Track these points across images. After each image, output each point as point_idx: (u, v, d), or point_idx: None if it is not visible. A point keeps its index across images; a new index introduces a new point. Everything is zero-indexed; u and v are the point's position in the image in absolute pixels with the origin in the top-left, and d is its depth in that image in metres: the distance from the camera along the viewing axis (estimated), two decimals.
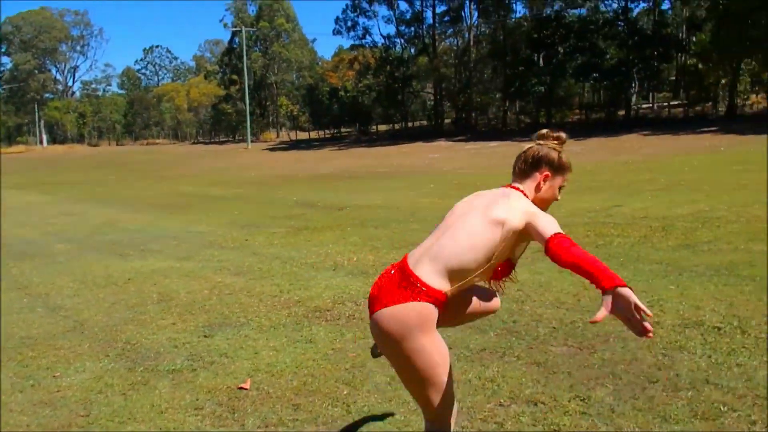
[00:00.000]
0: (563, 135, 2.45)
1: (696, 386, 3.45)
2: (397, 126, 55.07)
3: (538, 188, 2.42)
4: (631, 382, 3.61)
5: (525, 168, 2.42)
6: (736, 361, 3.72)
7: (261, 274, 7.51)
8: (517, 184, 2.44)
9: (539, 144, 2.44)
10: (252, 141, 60.51)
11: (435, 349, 2.30)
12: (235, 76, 66.18)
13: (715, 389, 3.39)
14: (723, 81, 38.10)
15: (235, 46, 66.14)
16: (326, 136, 59.14)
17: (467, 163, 26.67)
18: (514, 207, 2.31)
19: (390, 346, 2.31)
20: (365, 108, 52.77)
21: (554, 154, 2.41)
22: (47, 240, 11.52)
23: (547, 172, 2.41)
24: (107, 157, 57.94)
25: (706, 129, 31.34)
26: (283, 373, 4.19)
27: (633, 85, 43.00)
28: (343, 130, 60.03)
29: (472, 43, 46.98)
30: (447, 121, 49.95)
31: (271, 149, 52.21)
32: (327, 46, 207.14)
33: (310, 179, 24.95)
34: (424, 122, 54.14)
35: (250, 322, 5.43)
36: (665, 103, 42.24)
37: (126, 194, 22.77)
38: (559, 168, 2.42)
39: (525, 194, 2.39)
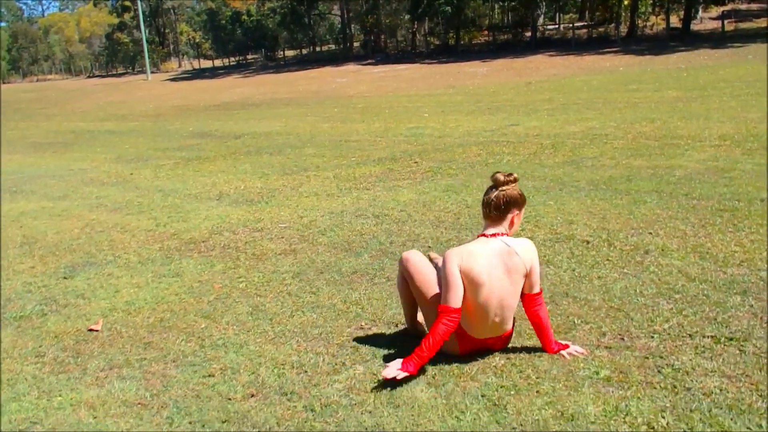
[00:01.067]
0: (515, 174, 2.84)
1: (555, 300, 3.41)
2: (304, 51, 53.40)
3: (511, 225, 2.84)
4: None
5: (498, 213, 2.80)
6: (598, 274, 3.72)
7: (139, 209, 7.06)
8: (495, 230, 2.82)
9: (502, 190, 2.78)
10: (153, 72, 57.29)
11: None
12: (128, 2, 61.86)
13: (573, 302, 3.36)
14: (626, 2, 38.72)
15: None
16: (231, 63, 56.68)
17: (373, 87, 26.22)
18: (525, 259, 2.82)
19: None
20: (270, 32, 50.69)
21: (516, 194, 2.80)
22: None
23: (516, 211, 2.83)
24: None
25: (608, 50, 31.95)
26: (141, 311, 3.90)
27: (539, 6, 43.06)
28: (249, 56, 57.69)
29: None
30: (356, 44, 48.78)
31: (173, 80, 49.75)
32: None
33: (210, 109, 23.90)
34: (333, 46, 52.71)
35: (117, 260, 5.07)
36: (570, 25, 42.62)
37: (6, 136, 21.13)
38: (522, 203, 2.85)
39: (507, 234, 2.83)
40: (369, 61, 40.46)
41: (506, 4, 42.72)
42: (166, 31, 68.90)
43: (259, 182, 7.98)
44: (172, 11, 66.03)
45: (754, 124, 8.56)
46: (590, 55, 30.68)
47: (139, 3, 55.12)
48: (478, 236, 2.86)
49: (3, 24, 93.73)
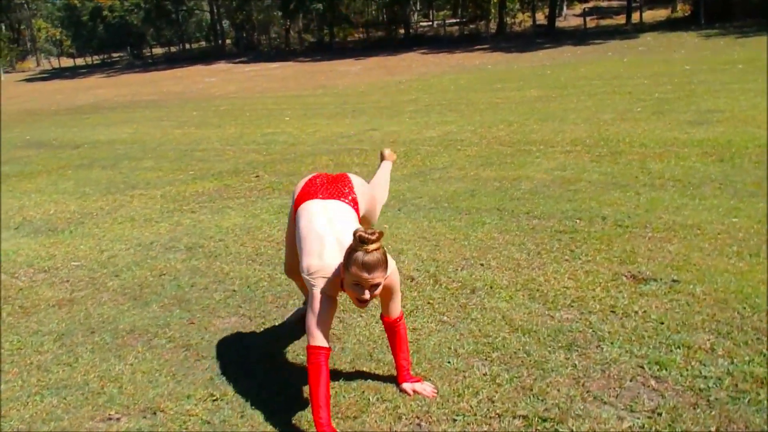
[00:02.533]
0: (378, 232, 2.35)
1: (355, 364, 2.81)
2: (174, 49, 50.73)
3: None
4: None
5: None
6: (414, 324, 3.15)
7: None
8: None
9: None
10: (7, 72, 52.69)
11: None
12: None
13: (376, 366, 2.77)
14: None
15: None
16: (95, 62, 53.00)
17: (242, 87, 25.03)
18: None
19: None
20: (136, 29, 47.72)
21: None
22: None
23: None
24: None
25: (478, 47, 32.37)
26: None
27: (413, 3, 43.20)
28: (114, 55, 54.18)
29: None
30: (229, 42, 46.91)
31: (29, 80, 45.90)
32: None
33: (60, 113, 21.88)
34: (204, 43, 50.46)
35: None
36: (443, 22, 43.06)
37: None
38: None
39: None
40: (241, 59, 38.94)
41: (380, 0, 42.50)
42: (22, 27, 63.53)
43: (74, 204, 6.95)
44: (25, 6, 60.84)
45: (606, 126, 8.48)
46: (461, 52, 30.95)
47: None
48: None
49: None
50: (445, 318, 3.17)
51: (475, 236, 4.38)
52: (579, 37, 31.61)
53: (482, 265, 3.85)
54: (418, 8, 48.56)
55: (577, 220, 4.57)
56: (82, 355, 3.21)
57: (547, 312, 3.14)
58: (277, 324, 3.38)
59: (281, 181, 7.02)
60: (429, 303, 3.36)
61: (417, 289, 3.56)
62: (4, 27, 61.26)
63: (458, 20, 44.30)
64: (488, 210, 4.99)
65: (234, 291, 3.84)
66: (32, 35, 63.58)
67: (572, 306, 3.19)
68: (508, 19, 39.51)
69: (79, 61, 55.16)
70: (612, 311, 3.13)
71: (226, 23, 47.51)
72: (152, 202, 6.64)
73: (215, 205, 6.19)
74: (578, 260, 3.81)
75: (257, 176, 7.44)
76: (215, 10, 45.85)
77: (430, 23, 45.77)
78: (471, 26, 41.86)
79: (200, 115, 16.08)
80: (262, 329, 3.33)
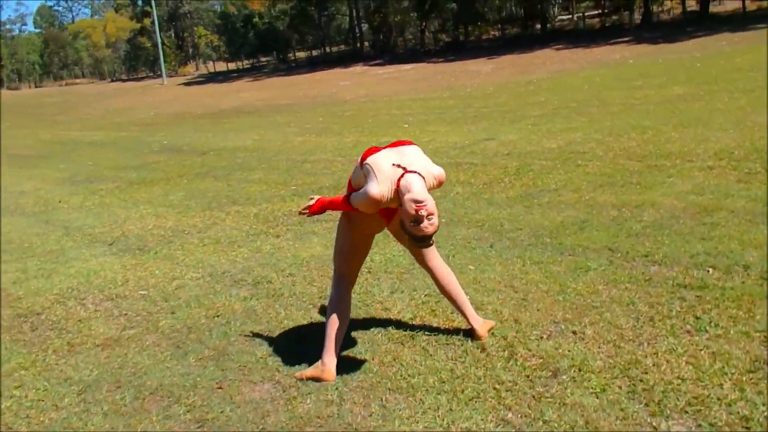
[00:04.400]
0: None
1: None
2: (315, 52, 52.15)
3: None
4: None
5: None
6: (468, 420, 2.47)
7: (22, 253, 6.06)
8: None
9: None
10: (171, 75, 56.92)
11: None
12: (148, 8, 61.36)
13: None
14: None
15: None
16: (245, 66, 55.82)
17: (372, 90, 25.00)
18: None
19: None
20: (282, 34, 49.55)
21: None
22: None
23: None
24: (19, 100, 53.64)
25: (620, 39, 30.13)
26: None
27: None
28: (262, 59, 56.74)
29: None
30: (367, 44, 47.41)
31: (187, 84, 49.14)
32: None
33: (203, 117, 22.97)
34: (344, 47, 51.38)
35: None
36: (582, 14, 40.58)
37: None
38: None
39: None
40: (377, 61, 39.14)
41: None
42: (185, 35, 68.37)
43: (173, 219, 6.89)
44: (188, 15, 65.35)
45: (761, 133, 7.14)
46: (601, 46, 28.91)
47: (153, 8, 54.63)
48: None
49: (37, 30, 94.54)
50: (510, 416, 2.46)
51: (574, 288, 3.58)
52: (737, 22, 28.28)
53: (574, 333, 3.06)
54: (559, 1, 46.37)
55: (710, 269, 3.62)
56: (93, 418, 2.86)
57: (649, 419, 2.34)
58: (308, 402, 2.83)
59: None
60: (495, 389, 2.65)
61: (484, 366, 2.86)
62: (169, 35, 66.31)
63: (599, 12, 41.56)
64: (597, 250, 4.14)
65: (277, 349, 3.35)
66: (194, 42, 68.15)
67: (686, 412, 2.35)
68: (654, 6, 36.41)
69: (232, 66, 58.38)
70: (746, 427, 2.26)
71: (364, 26, 48.05)
72: (244, 222, 6.39)
73: (302, 228, 5.79)
74: (704, 333, 2.93)
75: None
76: (354, 14, 46.52)
77: (570, 16, 43.44)
78: (614, 17, 39.09)
79: (325, 121, 16.05)
80: (288, 406, 2.79)
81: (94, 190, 9.42)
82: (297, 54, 54.12)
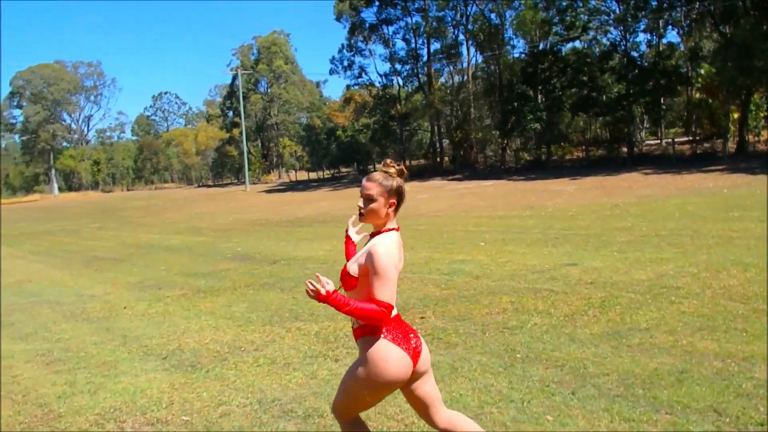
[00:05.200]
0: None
1: None
2: None
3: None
4: None
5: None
6: None
7: (73, 364, 5.88)
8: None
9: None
10: (254, 183, 59.38)
11: None
12: (237, 119, 65.40)
13: None
14: (735, 115, 35.88)
15: (235, 89, 65.43)
16: (325, 176, 57.68)
17: (450, 205, 24.88)
18: None
19: None
20: (363, 147, 51.19)
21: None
22: None
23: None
24: (109, 203, 56.98)
25: (712, 167, 29.20)
26: None
27: (636, 120, 40.86)
28: (343, 170, 58.58)
29: (467, 78, 45.47)
30: (447, 159, 48.17)
31: (268, 191, 50.91)
32: (337, 86, 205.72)
33: (280, 224, 23.35)
34: (423, 161, 52.43)
35: None
36: (671, 140, 39.98)
37: (81, 246, 21.37)
38: None
39: None
40: (456, 176, 39.48)
41: (602, 118, 40.84)
42: (270, 144, 71.87)
43: (231, 333, 6.62)
44: (275, 126, 68.98)
45: None
46: (692, 173, 28.06)
47: (242, 119, 58.01)
48: (389, 229, 2.82)
49: (134, 137, 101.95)
50: None
51: None
52: None
53: None
54: (646, 126, 46.05)
55: None
56: None
57: None
58: None
59: (446, 327, 6.03)
60: None
61: None
62: (256, 144, 69.96)
63: (690, 138, 40.87)
64: (700, 410, 3.52)
65: None
66: (278, 151, 71.46)
67: None
68: (750, 136, 35.52)
69: (313, 175, 60.44)
70: None
71: (445, 141, 49.04)
72: (303, 341, 6.04)
73: None
74: None
75: (422, 317, 6.54)
76: (436, 130, 47.66)
77: (658, 141, 42.90)
78: (705, 145, 38.26)
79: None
80: None
81: (160, 297, 9.36)
82: (377, 165, 55.62)
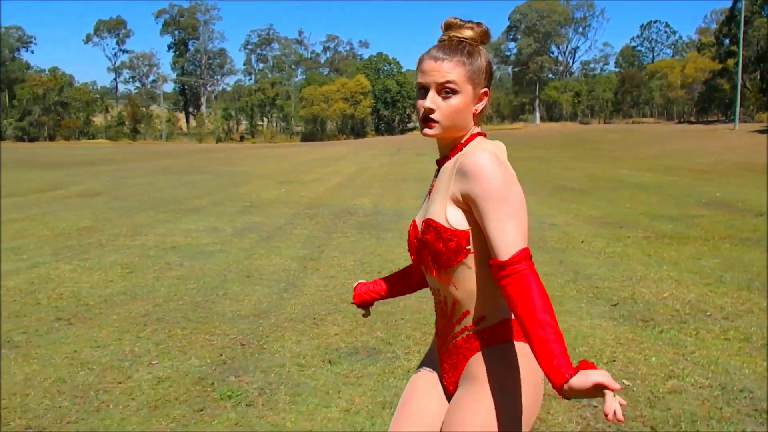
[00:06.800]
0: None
1: None
2: None
3: None
4: None
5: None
6: None
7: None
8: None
9: None
10: (746, 121, 52.66)
11: None
12: (734, 47, 58.08)
13: None
14: None
15: (736, 13, 57.70)
16: None
17: None
18: None
19: None
20: None
21: None
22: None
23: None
24: (585, 134, 57.91)
25: None
26: None
27: None
28: None
29: None
30: None
31: (762, 131, 44.42)
32: None
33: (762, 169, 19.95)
34: None
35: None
36: None
37: (549, 174, 22.09)
38: None
39: None
40: None
41: None
42: None
43: (695, 291, 5.73)
44: None
45: None
46: None
47: (739, 49, 51.21)
48: (476, 135, 1.63)
49: (616, 69, 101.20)
50: None
51: None
52: None
53: None
54: None
55: None
56: None
57: None
58: None
59: None
60: None
61: None
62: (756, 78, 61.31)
63: None
64: None
65: None
66: None
67: None
68: None
69: None
70: None
71: None
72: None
73: None
74: None
75: None
76: None
77: None
78: None
79: None
80: None
81: (620, 237, 8.77)
82: None
